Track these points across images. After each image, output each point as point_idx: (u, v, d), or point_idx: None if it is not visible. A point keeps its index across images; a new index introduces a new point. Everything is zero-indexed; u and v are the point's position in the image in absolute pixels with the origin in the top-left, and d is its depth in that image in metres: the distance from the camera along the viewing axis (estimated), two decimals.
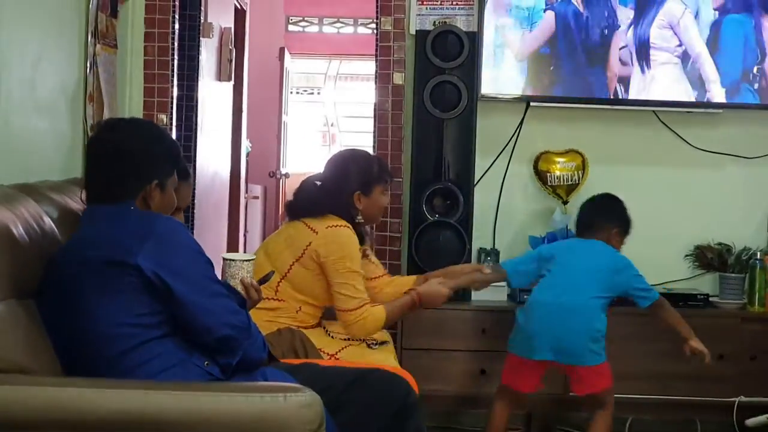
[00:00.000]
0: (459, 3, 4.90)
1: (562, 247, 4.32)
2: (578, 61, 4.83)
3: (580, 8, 4.80)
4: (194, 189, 5.06)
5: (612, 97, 4.84)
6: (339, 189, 3.78)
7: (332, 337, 3.77)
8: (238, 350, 2.69)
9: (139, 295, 2.57)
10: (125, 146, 2.74)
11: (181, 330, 2.64)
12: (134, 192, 2.74)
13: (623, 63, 4.83)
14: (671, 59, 4.83)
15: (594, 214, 4.29)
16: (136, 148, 2.75)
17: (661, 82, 4.84)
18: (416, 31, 4.81)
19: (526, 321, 4.07)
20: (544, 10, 4.80)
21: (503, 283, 4.72)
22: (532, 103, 4.88)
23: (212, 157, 6.23)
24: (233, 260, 2.91)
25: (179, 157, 2.92)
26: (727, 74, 4.85)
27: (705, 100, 4.85)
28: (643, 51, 4.82)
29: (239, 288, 2.85)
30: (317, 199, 3.77)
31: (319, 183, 3.86)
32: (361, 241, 3.84)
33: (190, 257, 2.67)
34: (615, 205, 4.30)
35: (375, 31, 4.97)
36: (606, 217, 4.26)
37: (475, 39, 4.69)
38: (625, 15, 4.81)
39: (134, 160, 2.74)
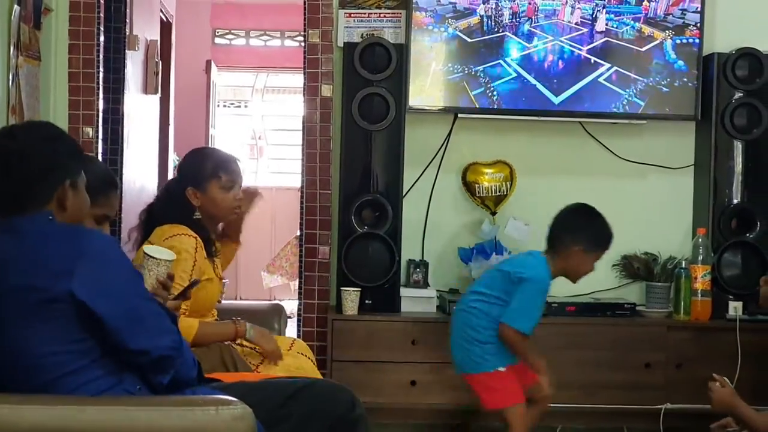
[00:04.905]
0: (386, 15, 4.91)
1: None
2: None
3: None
4: (121, 202, 5.00)
5: (539, 108, 4.87)
6: (177, 189, 3.75)
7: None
8: (171, 369, 2.60)
9: (70, 322, 2.41)
10: (29, 150, 2.51)
11: (114, 351, 2.50)
12: (47, 197, 2.53)
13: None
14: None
15: (554, 227, 3.93)
16: (42, 149, 2.52)
17: (586, 93, 4.88)
18: (344, 43, 4.81)
19: None
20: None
21: (432, 294, 4.74)
22: (459, 115, 4.90)
23: (139, 170, 6.17)
24: (154, 257, 2.86)
25: (83, 154, 2.71)
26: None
27: (629, 111, 4.89)
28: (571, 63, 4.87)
29: (152, 282, 2.80)
30: (164, 205, 3.75)
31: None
32: (209, 252, 3.72)
33: (124, 277, 2.50)
34: (578, 220, 3.93)
35: (302, 43, 4.96)
36: (565, 231, 3.89)
37: (402, 51, 4.70)
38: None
39: (42, 163, 2.52)
